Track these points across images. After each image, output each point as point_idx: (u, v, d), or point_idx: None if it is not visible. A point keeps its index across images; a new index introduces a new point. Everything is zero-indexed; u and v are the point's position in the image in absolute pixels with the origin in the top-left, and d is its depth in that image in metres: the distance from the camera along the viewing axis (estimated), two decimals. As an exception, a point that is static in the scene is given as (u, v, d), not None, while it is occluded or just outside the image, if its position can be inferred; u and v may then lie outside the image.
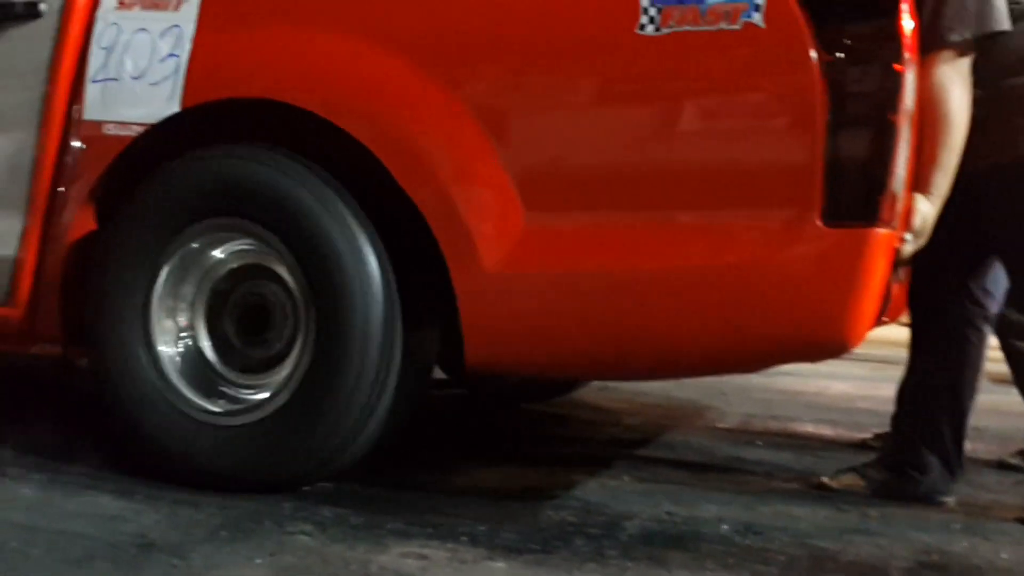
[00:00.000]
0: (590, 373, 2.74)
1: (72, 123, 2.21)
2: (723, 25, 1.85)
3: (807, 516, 2.22)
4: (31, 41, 2.26)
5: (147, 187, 2.15)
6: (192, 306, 2.18)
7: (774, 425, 3.33)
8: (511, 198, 1.96)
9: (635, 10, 1.88)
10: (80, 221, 2.22)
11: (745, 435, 3.13)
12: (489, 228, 1.96)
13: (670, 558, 1.86)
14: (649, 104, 1.96)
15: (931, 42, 2.05)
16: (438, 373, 2.56)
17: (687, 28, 1.86)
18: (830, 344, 1.92)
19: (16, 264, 2.25)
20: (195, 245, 2.15)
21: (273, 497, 2.03)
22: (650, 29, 1.88)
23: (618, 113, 1.97)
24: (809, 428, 3.32)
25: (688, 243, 1.91)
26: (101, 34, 2.20)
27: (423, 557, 1.76)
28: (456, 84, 1.99)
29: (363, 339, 1.99)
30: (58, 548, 1.70)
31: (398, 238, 2.04)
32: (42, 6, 2.25)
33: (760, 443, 3.00)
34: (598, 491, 2.29)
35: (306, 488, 2.09)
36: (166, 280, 2.15)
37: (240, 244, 2.15)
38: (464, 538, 1.88)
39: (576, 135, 1.96)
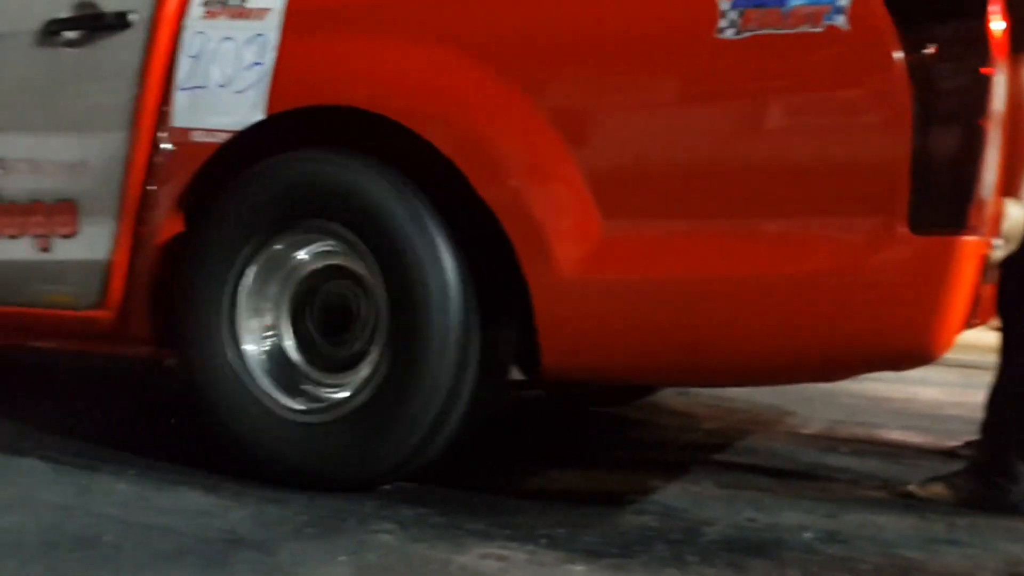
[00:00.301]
0: (668, 380, 2.72)
1: (161, 130, 2.28)
2: (805, 28, 1.82)
3: (893, 525, 2.18)
4: (121, 49, 2.33)
5: (234, 191, 2.20)
6: (277, 306, 2.23)
7: (860, 432, 3.26)
8: (587, 203, 1.95)
9: (713, 13, 1.86)
10: (169, 224, 2.28)
11: (830, 442, 3.07)
12: (565, 233, 1.96)
13: (751, 565, 1.84)
14: (729, 110, 1.93)
15: (1021, 42, 2.00)
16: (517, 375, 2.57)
17: (768, 31, 1.84)
18: (916, 354, 1.88)
19: (108, 267, 2.32)
20: (279, 246, 2.20)
21: (356, 496, 2.06)
22: (730, 33, 1.86)
23: (696, 119, 1.95)
24: (896, 435, 3.25)
25: (769, 251, 1.88)
26: (189, 43, 2.26)
27: (502, 559, 1.77)
28: (533, 89, 1.99)
29: (440, 340, 2.01)
30: (150, 542, 1.76)
31: (476, 242, 2.06)
32: (131, 16, 2.32)
33: (845, 450, 2.95)
34: (679, 496, 2.28)
35: (387, 487, 2.12)
36: (252, 280, 2.20)
37: (323, 245, 2.19)
38: (543, 540, 1.88)
39: (653, 142, 1.95)
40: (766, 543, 1.99)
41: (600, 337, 2.00)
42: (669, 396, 3.50)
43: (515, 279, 1.99)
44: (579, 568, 1.76)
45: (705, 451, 2.82)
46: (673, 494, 2.30)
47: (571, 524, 1.99)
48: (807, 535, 2.05)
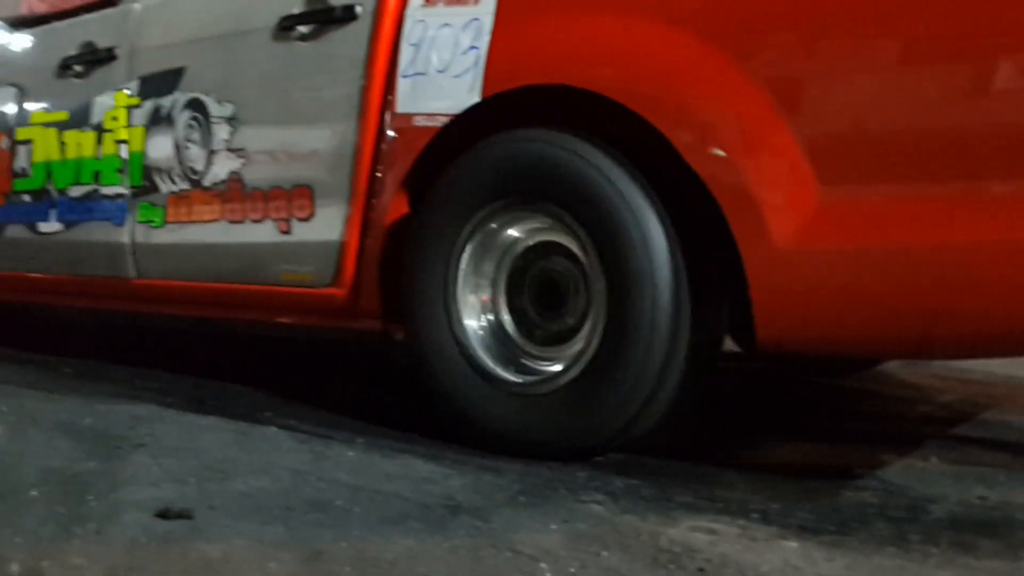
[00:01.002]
0: (891, 353, 2.62)
1: (386, 116, 2.40)
2: None
3: None
4: (349, 41, 2.47)
5: (452, 173, 2.29)
6: (493, 282, 2.31)
7: (1110, 406, 3.04)
8: (804, 171, 1.91)
9: None
10: (395, 206, 2.40)
11: (1075, 416, 2.88)
12: (780, 203, 1.92)
13: (979, 545, 1.76)
14: (955, 66, 1.83)
15: None
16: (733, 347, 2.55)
17: None
18: None
19: (341, 247, 2.48)
20: (494, 225, 2.27)
21: (568, 466, 2.11)
22: None
23: (920, 77, 1.85)
24: None
25: (1000, 215, 1.78)
26: (410, 31, 2.37)
27: (713, 532, 1.77)
28: (744, 56, 1.96)
29: (652, 313, 2.03)
30: (376, 506, 1.86)
31: (687, 215, 2.05)
32: (358, 9, 2.46)
33: (1093, 425, 2.76)
34: (902, 472, 2.20)
35: (598, 458, 2.16)
36: (469, 258, 2.29)
37: (535, 223, 2.25)
38: (755, 515, 1.87)
39: (872, 103, 1.87)
40: (996, 523, 1.89)
41: (818, 309, 1.95)
42: (896, 367, 3.37)
43: (728, 252, 1.97)
44: (792, 544, 1.73)
45: (933, 425, 2.70)
46: (896, 470, 2.22)
47: (785, 499, 1.96)
48: (1043, 515, 1.95)
